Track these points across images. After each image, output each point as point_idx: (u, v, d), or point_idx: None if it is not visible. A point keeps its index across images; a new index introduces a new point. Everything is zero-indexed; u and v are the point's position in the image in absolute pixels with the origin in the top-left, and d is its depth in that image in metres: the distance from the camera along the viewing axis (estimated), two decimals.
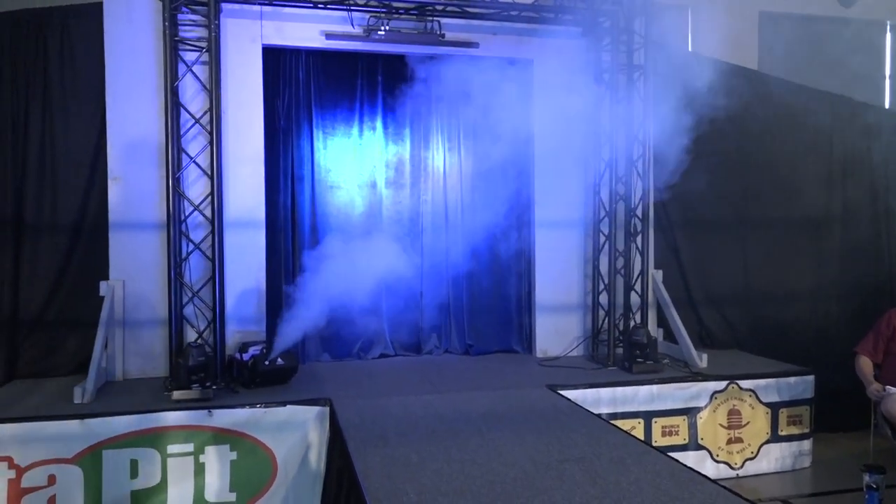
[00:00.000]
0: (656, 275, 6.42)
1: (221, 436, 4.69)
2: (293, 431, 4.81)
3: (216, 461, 4.67)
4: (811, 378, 5.84)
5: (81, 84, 5.54)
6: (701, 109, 6.51)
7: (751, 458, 5.70)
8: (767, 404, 5.71)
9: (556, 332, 6.47)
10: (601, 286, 6.34)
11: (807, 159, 6.98)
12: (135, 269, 5.47)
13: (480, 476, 3.49)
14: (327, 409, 4.84)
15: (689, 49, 8.89)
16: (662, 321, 6.48)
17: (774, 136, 6.86)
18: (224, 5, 5.47)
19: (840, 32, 8.38)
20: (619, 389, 5.40)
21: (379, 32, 5.76)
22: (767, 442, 5.73)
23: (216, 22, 5.27)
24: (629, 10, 6.03)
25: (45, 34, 5.49)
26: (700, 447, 5.57)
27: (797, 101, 6.87)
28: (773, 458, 5.75)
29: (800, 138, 6.95)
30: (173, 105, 5.27)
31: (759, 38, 9.52)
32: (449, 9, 5.80)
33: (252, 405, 4.78)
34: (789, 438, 5.78)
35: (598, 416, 4.79)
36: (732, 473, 5.63)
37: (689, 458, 5.34)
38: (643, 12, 6.01)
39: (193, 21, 5.36)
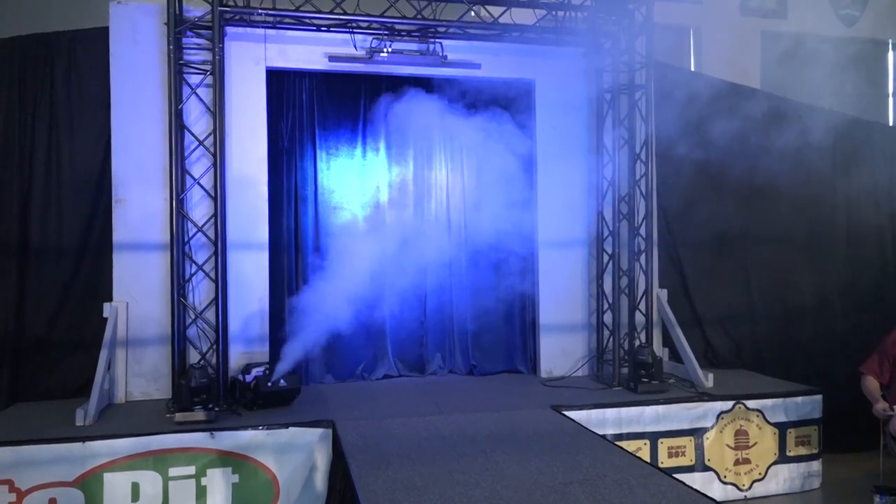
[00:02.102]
0: (661, 294, 6.40)
1: (224, 458, 4.67)
2: (296, 454, 4.78)
3: (218, 484, 4.64)
4: (819, 398, 5.78)
5: (87, 107, 5.60)
6: (703, 128, 6.55)
7: (759, 480, 5.62)
8: (775, 424, 5.65)
9: (561, 352, 6.44)
10: (605, 306, 6.31)
11: (810, 176, 6.97)
12: (138, 290, 5.48)
13: (484, 499, 3.45)
14: (330, 430, 4.81)
15: (692, 68, 8.96)
16: (668, 341, 6.44)
17: (777, 153, 6.85)
18: (228, 29, 5.55)
19: (842, 51, 8.41)
20: (625, 410, 5.35)
21: (381, 54, 5.81)
22: (776, 463, 5.66)
23: (220, 45, 5.33)
24: (630, 30, 6.06)
25: (52, 58, 5.57)
26: (707, 468, 5.50)
27: (800, 120, 6.88)
28: (782, 479, 5.67)
29: (803, 156, 6.94)
30: (177, 127, 5.31)
31: (761, 57, 9.58)
32: (451, 30, 5.86)
33: (254, 427, 4.75)
34: (798, 459, 5.70)
35: (604, 437, 4.75)
36: (741, 495, 5.56)
37: (696, 480, 5.29)
38: (644, 33, 6.03)
39: (198, 44, 5.42)
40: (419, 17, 5.76)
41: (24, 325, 5.53)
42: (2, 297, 5.47)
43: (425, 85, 6.16)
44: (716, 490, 5.43)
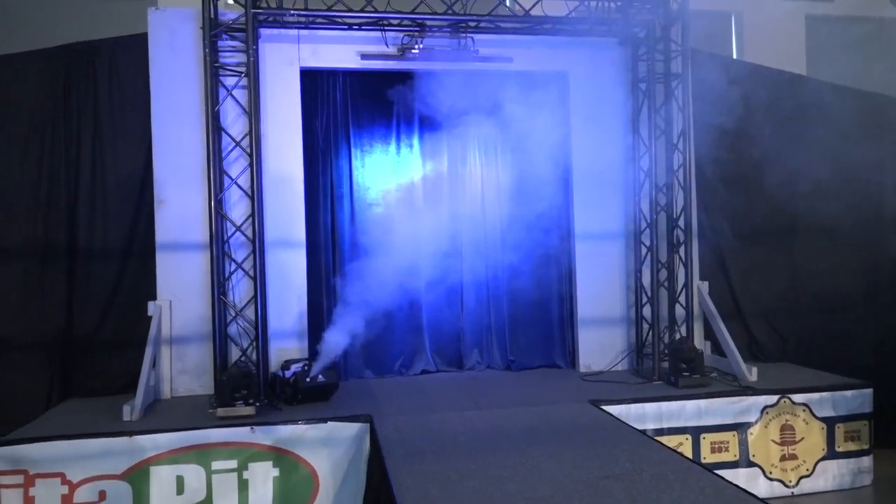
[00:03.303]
0: (702, 286, 6.26)
1: (264, 452, 4.76)
2: (335, 448, 4.84)
3: (259, 477, 4.74)
4: (869, 391, 5.59)
5: (129, 111, 5.78)
6: (745, 116, 6.37)
7: (806, 476, 5.47)
8: (822, 419, 5.49)
9: (600, 346, 6.37)
10: (644, 299, 6.21)
11: (859, 165, 6.71)
12: (181, 289, 5.62)
13: (517, 493, 3.44)
14: (368, 425, 4.86)
15: (734, 56, 8.74)
16: (710, 334, 6.30)
17: (824, 141, 6.63)
18: (262, 30, 5.63)
19: (892, 32, 8.09)
20: (665, 404, 5.27)
21: (413, 51, 5.82)
22: (824, 458, 5.50)
23: (254, 47, 5.42)
24: (665, 18, 5.95)
25: (94, 65, 5.76)
26: (752, 464, 5.38)
27: (848, 106, 6.64)
28: (831, 475, 5.50)
29: (851, 143, 6.69)
30: (214, 129, 5.42)
31: (806, 41, 9.28)
32: (482, 24, 5.84)
33: (294, 422, 4.83)
34: (847, 455, 5.53)
35: (643, 432, 4.68)
36: (787, 491, 5.42)
37: (740, 476, 5.19)
38: (680, 20, 5.90)
39: (233, 47, 5.52)
40: (450, 12, 5.75)
41: (74, 324, 5.73)
42: (52, 299, 5.68)
43: (457, 79, 6.13)
44: (761, 486, 5.31)
